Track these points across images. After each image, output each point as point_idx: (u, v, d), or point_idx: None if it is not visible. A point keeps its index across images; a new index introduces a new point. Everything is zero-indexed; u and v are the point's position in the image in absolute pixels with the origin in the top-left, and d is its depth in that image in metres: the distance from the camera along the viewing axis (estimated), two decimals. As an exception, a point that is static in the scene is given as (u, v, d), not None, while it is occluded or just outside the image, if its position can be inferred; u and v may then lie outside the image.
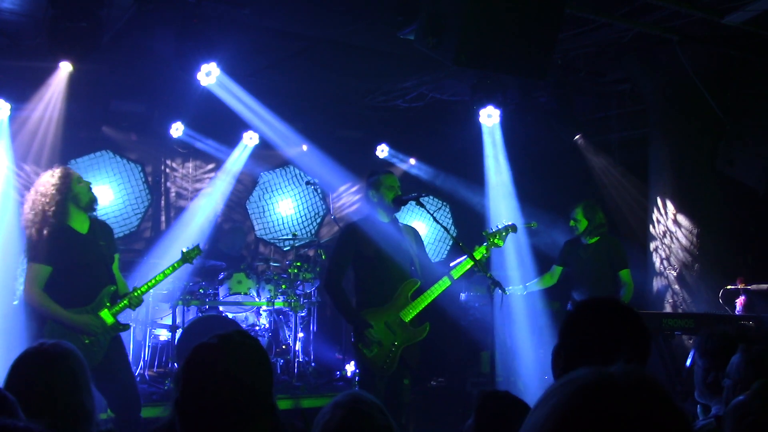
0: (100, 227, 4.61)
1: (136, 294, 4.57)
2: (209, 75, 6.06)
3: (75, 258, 4.38)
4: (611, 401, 0.94)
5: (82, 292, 4.38)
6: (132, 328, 6.66)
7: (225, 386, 1.76)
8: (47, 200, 4.39)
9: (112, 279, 4.54)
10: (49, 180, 4.47)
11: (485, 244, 5.03)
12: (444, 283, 4.84)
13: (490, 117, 7.34)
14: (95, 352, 4.32)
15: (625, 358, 1.90)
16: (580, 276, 6.19)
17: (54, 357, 2.38)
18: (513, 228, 5.18)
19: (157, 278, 4.71)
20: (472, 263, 4.76)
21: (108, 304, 4.45)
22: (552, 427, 0.95)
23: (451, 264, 5.04)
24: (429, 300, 4.84)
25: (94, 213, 4.62)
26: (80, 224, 4.48)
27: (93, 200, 4.52)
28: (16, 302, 5.79)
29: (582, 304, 2.12)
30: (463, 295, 7.71)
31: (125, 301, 4.51)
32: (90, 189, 4.52)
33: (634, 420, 0.93)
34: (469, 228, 9.16)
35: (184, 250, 5.05)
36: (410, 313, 4.79)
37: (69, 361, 2.40)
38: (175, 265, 4.92)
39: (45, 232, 4.33)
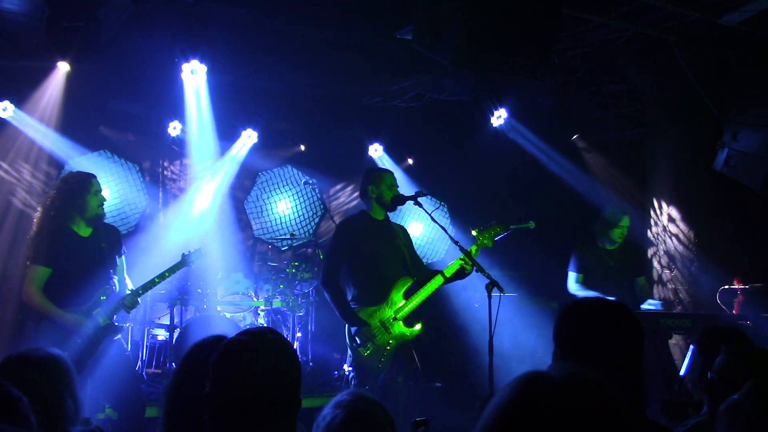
0: (104, 229, 4.62)
1: (131, 295, 4.56)
2: (195, 73, 6.02)
3: (73, 260, 4.40)
4: (546, 396, 1.07)
5: (79, 292, 4.39)
6: (130, 328, 6.64)
7: (259, 381, 1.81)
8: (56, 201, 4.44)
9: (110, 280, 4.54)
10: (67, 181, 4.50)
11: (475, 244, 4.99)
12: (437, 281, 4.83)
13: (499, 118, 7.55)
14: (86, 351, 4.34)
15: (617, 357, 1.92)
16: (603, 281, 5.90)
17: (33, 362, 2.37)
18: (502, 228, 5.07)
19: (154, 280, 4.69)
20: (462, 262, 4.74)
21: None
22: (498, 420, 1.09)
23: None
24: (422, 298, 4.83)
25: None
26: (83, 227, 4.50)
27: (98, 216, 4.54)
28: None
29: (571, 305, 2.11)
30: (461, 296, 7.71)
31: (120, 303, 4.52)
32: (100, 205, 4.54)
33: (566, 413, 1.04)
34: (468, 227, 9.15)
35: (185, 253, 5.03)
36: (404, 312, 4.78)
37: (49, 366, 2.38)
38: (174, 267, 4.89)
39: (46, 233, 4.36)
